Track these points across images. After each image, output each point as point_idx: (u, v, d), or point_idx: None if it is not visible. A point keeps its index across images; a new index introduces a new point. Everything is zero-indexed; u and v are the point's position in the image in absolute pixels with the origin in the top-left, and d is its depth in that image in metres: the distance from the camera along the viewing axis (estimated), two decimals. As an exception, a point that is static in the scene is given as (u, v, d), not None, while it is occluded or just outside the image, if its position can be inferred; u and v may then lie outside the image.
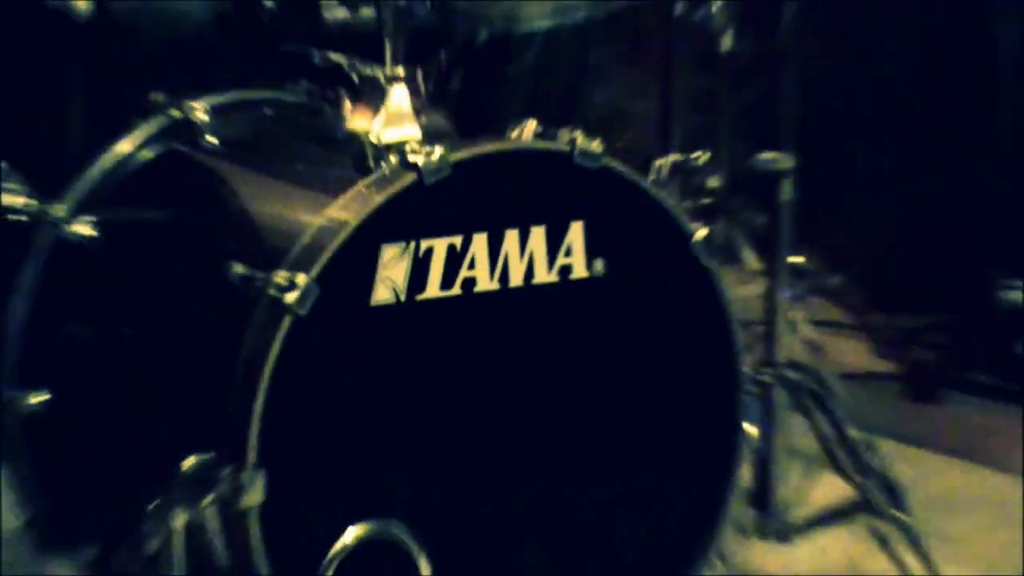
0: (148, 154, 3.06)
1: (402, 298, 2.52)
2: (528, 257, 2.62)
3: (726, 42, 3.60)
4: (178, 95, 3.12)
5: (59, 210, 2.97)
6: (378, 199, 2.48)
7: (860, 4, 5.22)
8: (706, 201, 3.59)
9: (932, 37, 5.36)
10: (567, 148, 2.62)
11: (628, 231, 2.76)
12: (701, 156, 3.54)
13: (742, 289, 3.20)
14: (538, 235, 2.63)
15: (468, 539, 2.71)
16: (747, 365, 2.94)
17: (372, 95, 2.86)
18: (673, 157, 3.53)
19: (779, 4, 3.35)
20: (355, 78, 3.00)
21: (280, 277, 2.41)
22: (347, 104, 2.98)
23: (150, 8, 3.67)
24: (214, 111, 3.08)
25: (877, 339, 4.94)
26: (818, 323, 3.80)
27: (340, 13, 3.08)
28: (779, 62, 3.46)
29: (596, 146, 2.64)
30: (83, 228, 2.96)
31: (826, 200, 4.16)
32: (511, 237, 2.60)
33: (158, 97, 3.12)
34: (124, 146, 3.05)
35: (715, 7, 3.55)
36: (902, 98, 5.31)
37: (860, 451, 3.37)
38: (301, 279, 2.39)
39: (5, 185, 3.04)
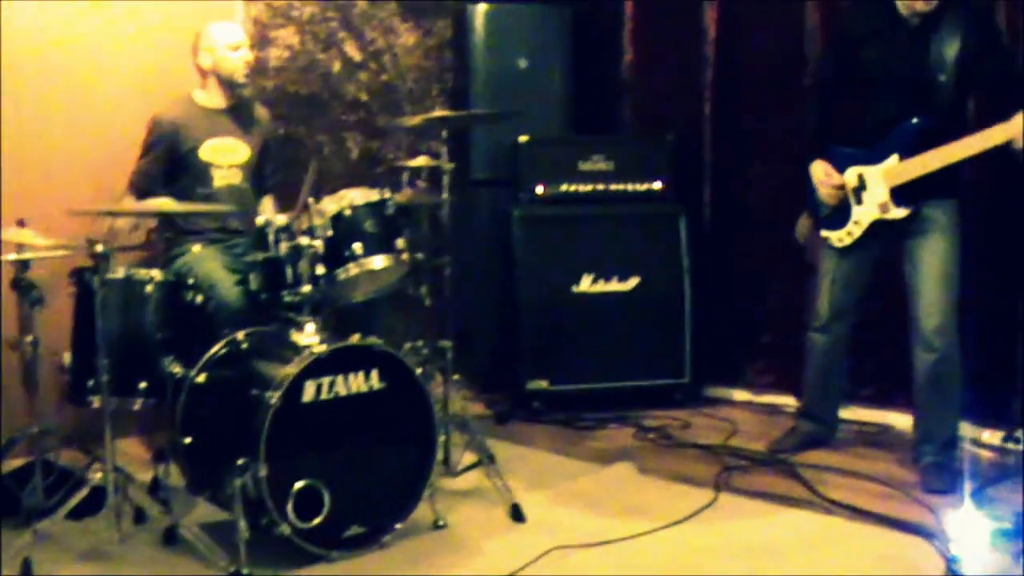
0: (223, 351, 4.03)
1: (311, 399, 3.77)
2: (359, 382, 3.87)
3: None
4: (231, 332, 4.11)
5: (192, 372, 3.97)
6: (303, 364, 3.72)
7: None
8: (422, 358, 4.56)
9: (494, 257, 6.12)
10: (371, 343, 3.92)
11: (392, 371, 3.93)
12: (417, 343, 4.59)
13: (436, 389, 4.39)
14: (362, 374, 3.87)
15: (334, 486, 3.77)
16: (437, 416, 4.03)
17: (301, 329, 3.98)
18: (408, 344, 4.52)
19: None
20: (296, 322, 4.03)
21: (270, 393, 3.64)
22: (294, 332, 3.98)
23: (221, 306, 4.39)
24: (246, 336, 4.08)
25: (486, 402, 5.95)
26: (464, 398, 4.98)
27: (290, 298, 4.01)
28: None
29: (378, 340, 3.92)
30: (201, 378, 3.96)
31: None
32: (351, 375, 3.85)
33: (228, 334, 4.10)
34: (215, 348, 4.04)
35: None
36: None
37: (481, 443, 4.45)
38: (277, 394, 3.63)
39: (171, 362, 4.05)
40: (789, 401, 5.62)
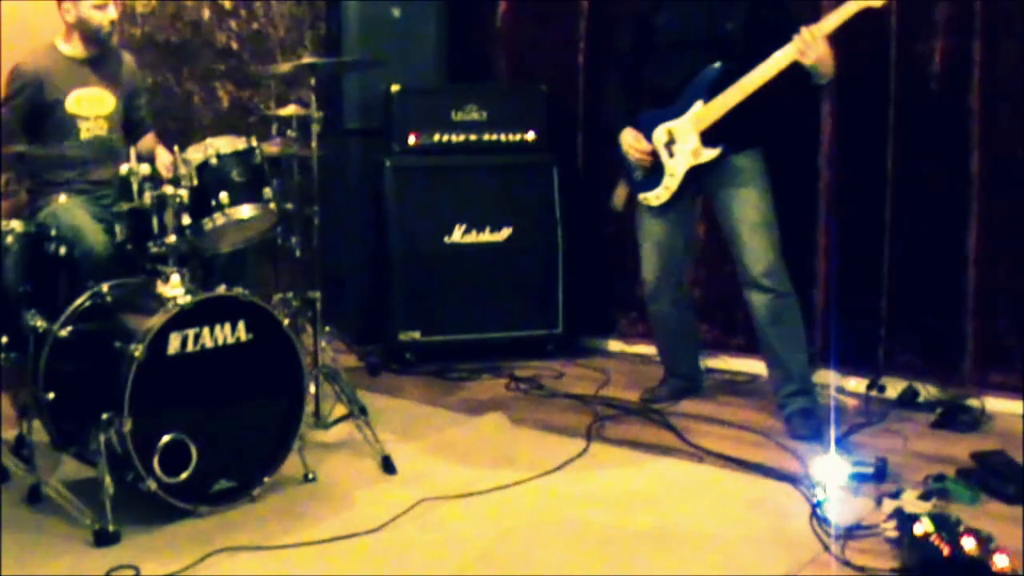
0: (87, 303, 3.93)
1: (177, 352, 3.71)
2: (225, 333, 3.82)
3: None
4: (96, 282, 4.00)
5: (55, 325, 3.87)
6: (168, 316, 3.68)
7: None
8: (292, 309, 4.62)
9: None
10: (237, 294, 3.86)
11: (260, 322, 3.88)
12: (287, 294, 4.65)
13: (307, 341, 4.43)
14: (229, 326, 3.82)
15: (202, 440, 3.75)
16: (307, 367, 4.02)
17: (167, 281, 3.89)
18: (278, 295, 4.63)
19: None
20: (162, 273, 3.94)
21: (134, 346, 3.59)
22: (159, 284, 3.89)
23: (87, 254, 4.35)
24: (111, 288, 3.96)
25: (358, 354, 5.82)
26: (335, 349, 4.82)
27: (155, 249, 3.94)
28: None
29: (244, 291, 3.88)
30: (64, 332, 3.86)
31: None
32: (217, 327, 3.79)
33: (92, 286, 3.98)
34: (78, 301, 3.92)
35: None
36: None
37: (352, 394, 4.46)
38: (141, 347, 3.58)
39: (34, 315, 3.93)
40: (662, 351, 5.56)
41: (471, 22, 6.61)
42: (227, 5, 6.24)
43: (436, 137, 5.98)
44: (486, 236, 5.92)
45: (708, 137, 4.58)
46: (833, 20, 4.31)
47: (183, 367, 3.74)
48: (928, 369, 5.05)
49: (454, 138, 6.00)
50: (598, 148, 6.16)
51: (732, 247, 4.69)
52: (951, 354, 4.97)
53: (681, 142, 4.65)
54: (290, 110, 4.65)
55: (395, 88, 5.95)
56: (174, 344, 3.72)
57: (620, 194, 5.04)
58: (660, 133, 4.70)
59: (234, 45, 6.30)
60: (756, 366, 5.43)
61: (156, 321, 3.68)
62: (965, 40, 4.84)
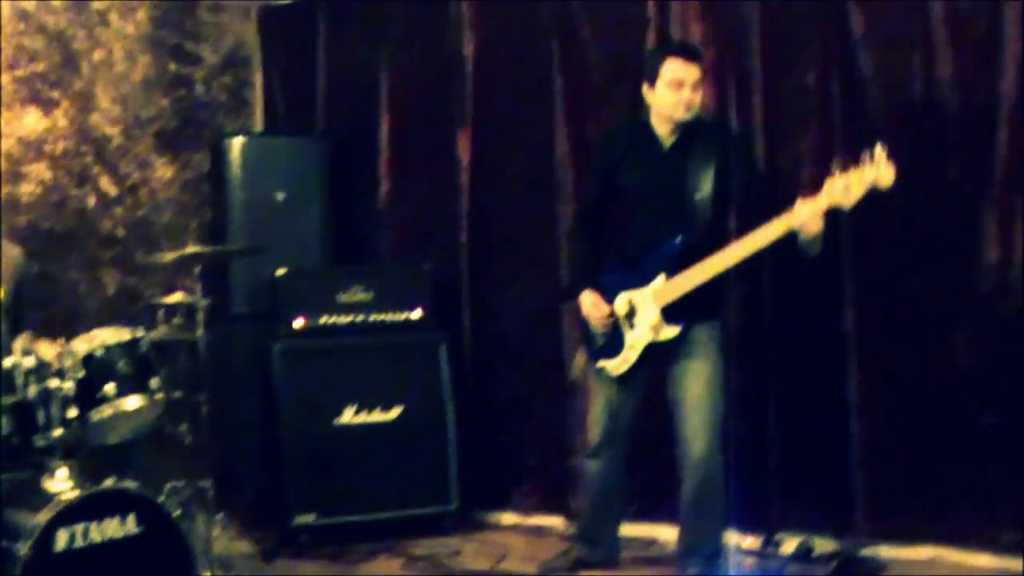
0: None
1: (64, 548, 3.68)
2: (114, 527, 3.79)
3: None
4: None
5: None
6: (54, 512, 3.66)
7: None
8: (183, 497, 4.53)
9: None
10: (125, 486, 3.84)
11: (149, 514, 3.87)
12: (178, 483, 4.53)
13: (201, 529, 4.36)
14: (117, 519, 3.79)
15: None
16: (201, 556, 3.97)
17: (53, 475, 3.85)
18: (169, 485, 4.51)
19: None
20: (48, 468, 3.89)
21: (20, 544, 3.59)
22: (46, 478, 3.84)
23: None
24: None
25: (252, 540, 5.56)
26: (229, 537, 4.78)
27: (41, 442, 3.91)
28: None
29: (133, 484, 3.86)
30: None
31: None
32: (106, 521, 3.77)
33: None
34: None
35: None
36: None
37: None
38: (27, 545, 3.58)
39: None
40: (557, 522, 5.61)
41: (354, 203, 6.63)
42: (112, 193, 6.23)
43: (323, 319, 5.95)
44: (376, 416, 5.85)
45: (670, 312, 4.53)
46: (834, 199, 4.17)
47: (71, 563, 3.67)
48: (822, 522, 5.05)
49: (341, 319, 5.97)
50: (484, 324, 6.23)
51: (675, 417, 4.65)
52: (843, 505, 5.02)
53: (642, 314, 4.59)
54: (176, 297, 4.68)
55: (280, 272, 5.94)
56: (61, 540, 3.66)
57: (579, 362, 5.01)
58: (621, 302, 4.64)
59: (120, 232, 6.27)
60: (653, 530, 5.46)
61: (42, 518, 3.63)
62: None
